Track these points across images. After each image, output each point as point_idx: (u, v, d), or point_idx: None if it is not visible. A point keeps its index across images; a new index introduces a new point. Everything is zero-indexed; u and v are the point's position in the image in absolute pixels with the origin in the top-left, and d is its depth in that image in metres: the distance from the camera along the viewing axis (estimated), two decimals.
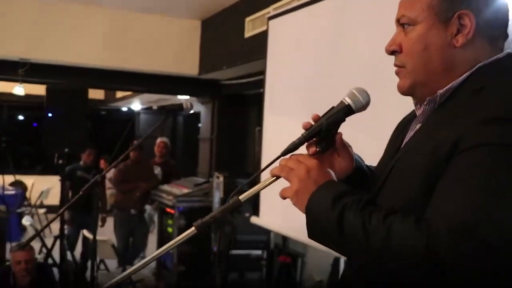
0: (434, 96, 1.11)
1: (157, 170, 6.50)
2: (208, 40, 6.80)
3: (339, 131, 1.20)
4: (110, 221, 6.29)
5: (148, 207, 6.63)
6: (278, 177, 1.15)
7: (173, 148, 9.67)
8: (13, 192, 8.85)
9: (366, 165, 1.34)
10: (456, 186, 0.94)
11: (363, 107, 1.17)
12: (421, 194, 1.01)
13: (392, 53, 1.17)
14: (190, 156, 9.74)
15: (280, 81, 4.09)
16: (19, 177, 10.55)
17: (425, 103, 1.13)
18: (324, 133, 1.16)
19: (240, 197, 1.16)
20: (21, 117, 12.41)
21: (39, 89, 6.25)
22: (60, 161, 4.93)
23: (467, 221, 0.88)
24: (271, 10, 4.93)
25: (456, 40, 1.09)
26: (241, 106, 7.54)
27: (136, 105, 11.65)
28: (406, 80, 1.15)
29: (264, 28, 4.52)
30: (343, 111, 1.16)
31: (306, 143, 1.18)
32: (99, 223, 6.20)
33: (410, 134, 1.19)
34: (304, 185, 1.09)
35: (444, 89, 1.10)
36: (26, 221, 6.12)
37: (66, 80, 6.46)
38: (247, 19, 5.62)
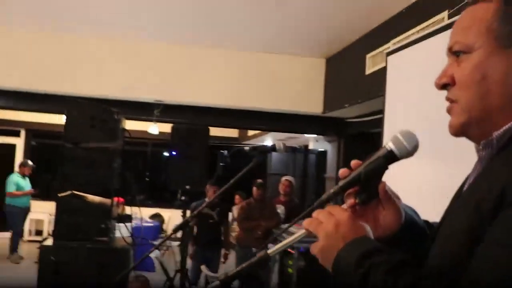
0: (490, 139, 0.94)
1: (280, 209, 6.49)
2: (331, 78, 6.75)
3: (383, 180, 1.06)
4: (232, 258, 6.38)
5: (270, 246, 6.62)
6: (309, 231, 1.04)
7: (303, 187, 9.64)
8: (151, 225, 9.44)
9: (424, 220, 1.16)
10: (492, 250, 0.80)
11: (409, 153, 1.02)
12: (464, 255, 0.86)
13: (443, 87, 1.01)
14: (319, 195, 9.62)
15: (399, 119, 3.91)
16: (158, 210, 11.26)
17: (480, 147, 0.96)
18: (362, 183, 1.02)
19: (269, 251, 1.06)
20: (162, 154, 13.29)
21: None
22: (183, 197, 5.12)
23: None
24: (390, 45, 4.76)
25: None
26: (366, 144, 7.32)
27: (268, 143, 11.89)
28: (459, 117, 0.98)
29: (383, 64, 4.37)
30: (384, 158, 1.02)
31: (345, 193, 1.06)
32: (221, 259, 6.32)
33: (469, 182, 1.02)
34: (331, 241, 0.97)
35: (501, 130, 0.92)
36: (153, 254, 6.41)
37: (195, 119, 6.78)
38: (368, 55, 5.49)
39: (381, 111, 4.31)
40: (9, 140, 11.52)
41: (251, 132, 11.01)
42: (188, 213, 5.20)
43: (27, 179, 9.28)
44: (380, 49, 5.14)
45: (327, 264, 0.98)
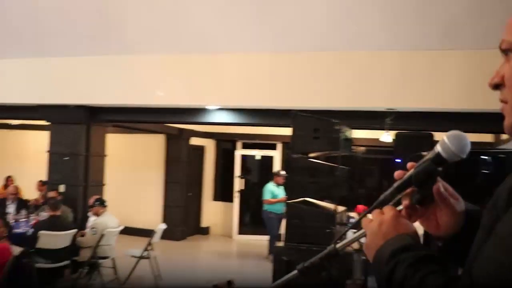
0: None
1: None
2: None
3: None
4: None
5: None
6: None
7: None
8: None
9: None
10: (490, 244, 0.84)
11: (455, 155, 1.02)
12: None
13: (495, 87, 0.99)
14: None
15: None
16: None
17: None
18: (414, 184, 1.06)
19: (337, 245, 1.17)
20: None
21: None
22: None
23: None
24: None
25: None
26: None
27: None
28: (510, 118, 0.96)
29: None
30: (432, 161, 1.04)
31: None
32: None
33: None
34: (373, 239, 1.05)
35: None
36: None
37: (421, 125, 6.62)
38: None
39: None
40: (268, 152, 12.79)
41: (504, 135, 10.12)
42: None
43: (281, 188, 10.20)
44: None
45: (371, 260, 1.05)
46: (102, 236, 6.89)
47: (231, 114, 7.92)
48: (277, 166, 12.43)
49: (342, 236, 1.20)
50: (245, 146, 13.06)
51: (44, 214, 7.21)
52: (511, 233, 0.80)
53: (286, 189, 10.18)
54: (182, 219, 12.00)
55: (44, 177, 8.83)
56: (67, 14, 6.96)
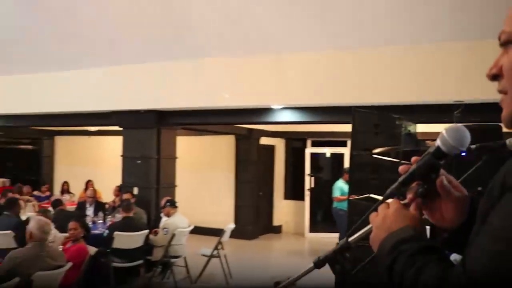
0: None
1: None
2: None
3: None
4: None
5: None
6: None
7: None
8: None
9: None
10: (483, 233, 0.86)
11: (454, 148, 1.01)
12: None
13: (493, 78, 0.98)
14: None
15: None
16: None
17: None
18: (417, 178, 1.07)
19: (350, 239, 1.19)
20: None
21: None
22: None
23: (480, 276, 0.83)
24: None
25: None
26: None
27: None
28: (507, 109, 0.95)
29: None
30: (433, 154, 1.04)
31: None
32: None
33: None
34: (378, 232, 1.07)
35: None
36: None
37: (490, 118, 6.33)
38: None
39: None
40: (338, 150, 12.69)
41: None
42: None
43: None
44: None
45: (376, 253, 1.06)
46: (173, 236, 7.13)
47: (296, 113, 7.95)
48: (347, 163, 12.30)
49: (355, 229, 1.22)
50: (315, 144, 13.03)
51: (118, 216, 7.55)
52: (503, 225, 0.81)
53: (349, 186, 10.09)
54: (254, 218, 12.15)
55: (120, 180, 9.24)
56: (135, 22, 7.25)
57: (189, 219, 7.75)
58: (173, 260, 7.36)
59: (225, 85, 7.64)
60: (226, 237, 7.92)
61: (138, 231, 6.94)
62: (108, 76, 8.61)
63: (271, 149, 13.17)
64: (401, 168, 1.11)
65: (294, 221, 13.09)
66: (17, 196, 8.52)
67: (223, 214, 11.88)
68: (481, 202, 0.95)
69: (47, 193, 11.45)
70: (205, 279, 7.67)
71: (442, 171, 1.09)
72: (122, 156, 8.97)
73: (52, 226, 6.28)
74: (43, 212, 6.74)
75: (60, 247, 5.76)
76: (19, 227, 6.25)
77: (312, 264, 1.24)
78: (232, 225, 8.25)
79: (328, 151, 12.95)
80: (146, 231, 7.08)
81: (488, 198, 0.91)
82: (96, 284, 6.57)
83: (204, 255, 7.73)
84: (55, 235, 6.06)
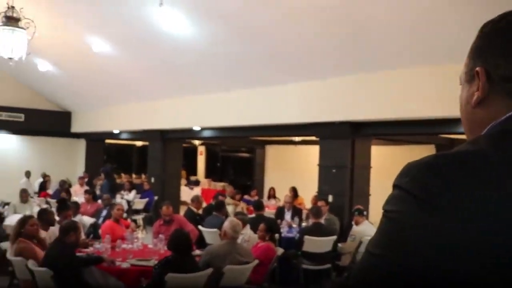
0: None
1: None
2: None
3: None
4: None
5: None
6: None
7: None
8: None
9: None
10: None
11: None
12: None
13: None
14: None
15: None
16: None
17: None
18: None
19: None
20: None
21: None
22: None
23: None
24: None
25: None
26: None
27: None
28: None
29: None
30: None
31: None
32: None
33: None
34: None
35: None
36: None
37: None
38: None
39: None
40: None
41: None
42: None
43: None
44: None
45: None
46: (360, 243, 7.37)
47: None
48: None
49: None
50: None
51: (310, 221, 8.05)
52: (378, 228, 0.89)
53: None
54: None
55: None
56: (322, 40, 7.71)
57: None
58: None
59: (411, 95, 7.64)
60: None
61: (326, 236, 7.33)
62: (306, 90, 9.23)
63: None
64: None
65: None
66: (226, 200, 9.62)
67: None
68: None
69: (256, 197, 12.55)
70: None
71: None
72: (318, 165, 9.50)
73: (248, 227, 7.07)
74: (239, 214, 7.58)
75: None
76: None
77: None
78: None
79: None
80: (334, 237, 7.44)
81: None
82: (287, 283, 7.16)
83: None
84: (250, 235, 6.81)
